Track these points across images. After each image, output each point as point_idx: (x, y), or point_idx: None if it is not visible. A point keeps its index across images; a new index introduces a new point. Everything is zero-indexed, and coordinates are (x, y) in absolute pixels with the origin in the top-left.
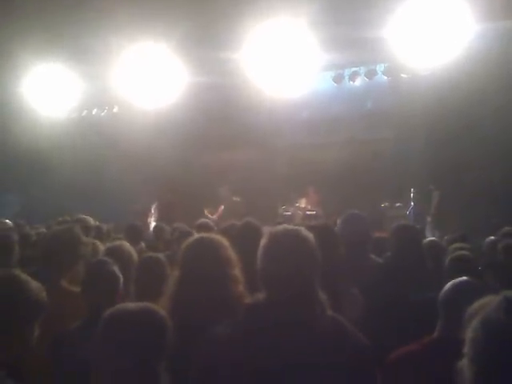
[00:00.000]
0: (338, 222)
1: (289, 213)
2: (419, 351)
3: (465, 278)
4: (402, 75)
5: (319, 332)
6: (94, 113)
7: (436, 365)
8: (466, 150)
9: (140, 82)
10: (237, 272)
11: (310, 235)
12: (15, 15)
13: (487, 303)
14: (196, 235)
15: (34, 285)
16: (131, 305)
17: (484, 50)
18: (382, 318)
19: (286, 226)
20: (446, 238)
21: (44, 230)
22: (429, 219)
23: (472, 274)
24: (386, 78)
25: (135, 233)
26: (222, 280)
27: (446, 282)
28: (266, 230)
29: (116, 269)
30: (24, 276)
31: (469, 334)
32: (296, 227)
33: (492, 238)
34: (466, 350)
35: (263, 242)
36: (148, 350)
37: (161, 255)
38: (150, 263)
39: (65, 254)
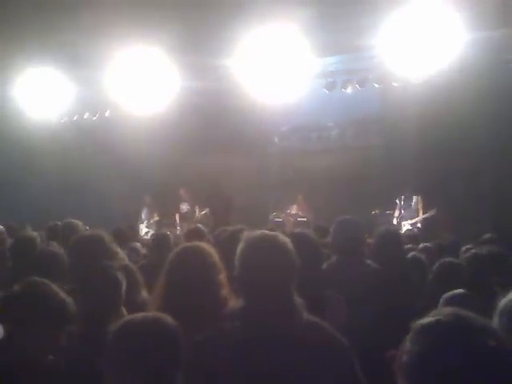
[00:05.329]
0: (331, 228)
1: (279, 219)
2: None
3: None
4: (394, 84)
5: (297, 338)
6: (85, 117)
7: None
8: (457, 157)
9: (132, 86)
10: (222, 277)
11: (288, 241)
12: (8, 19)
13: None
14: (182, 244)
15: (61, 296)
16: (139, 315)
17: (475, 59)
18: (378, 322)
19: (263, 231)
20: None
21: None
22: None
23: (459, 283)
24: (377, 85)
25: (121, 236)
26: (207, 285)
27: (433, 290)
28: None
29: (119, 274)
30: (53, 286)
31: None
32: (273, 233)
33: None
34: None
35: (240, 247)
36: (162, 361)
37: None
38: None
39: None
